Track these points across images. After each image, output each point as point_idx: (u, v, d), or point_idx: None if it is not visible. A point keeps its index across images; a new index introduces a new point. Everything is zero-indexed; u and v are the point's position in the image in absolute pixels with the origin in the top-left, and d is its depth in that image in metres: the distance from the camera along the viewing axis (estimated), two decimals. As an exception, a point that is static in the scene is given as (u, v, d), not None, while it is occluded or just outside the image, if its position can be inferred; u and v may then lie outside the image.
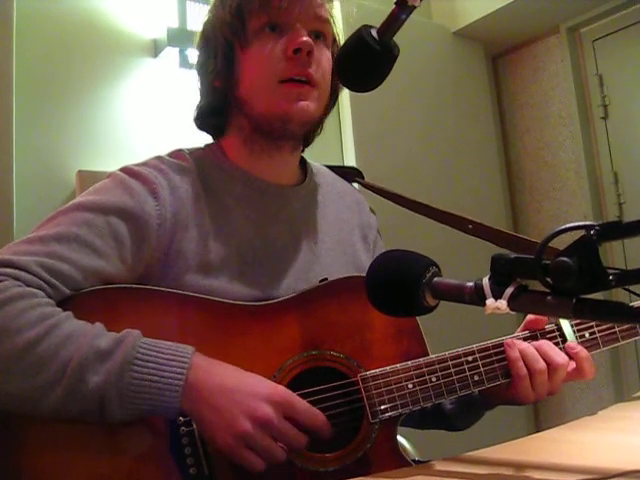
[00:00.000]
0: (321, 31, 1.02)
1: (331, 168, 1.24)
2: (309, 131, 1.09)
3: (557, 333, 0.99)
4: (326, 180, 1.18)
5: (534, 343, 0.96)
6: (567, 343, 0.97)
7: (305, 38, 0.97)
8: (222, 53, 1.02)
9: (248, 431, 0.79)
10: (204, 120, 1.11)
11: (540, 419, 3.33)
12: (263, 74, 0.99)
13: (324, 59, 1.02)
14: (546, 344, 0.96)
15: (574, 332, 0.99)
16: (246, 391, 0.81)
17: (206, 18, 1.08)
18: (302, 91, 0.99)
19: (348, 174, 1.25)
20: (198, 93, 1.10)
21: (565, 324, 0.99)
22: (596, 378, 3.09)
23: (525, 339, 0.98)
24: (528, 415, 3.24)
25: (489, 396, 1.03)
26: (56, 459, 0.81)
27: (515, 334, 0.99)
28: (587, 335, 0.99)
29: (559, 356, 0.95)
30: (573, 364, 0.96)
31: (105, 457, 0.82)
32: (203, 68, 1.07)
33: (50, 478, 0.81)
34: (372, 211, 1.25)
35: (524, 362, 0.94)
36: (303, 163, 1.16)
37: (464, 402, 1.07)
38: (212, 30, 1.04)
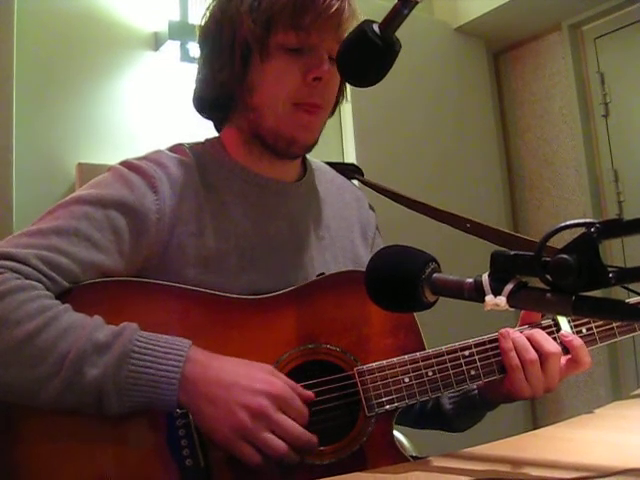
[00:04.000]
0: None
1: (331, 165, 1.24)
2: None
3: (554, 328, 0.99)
4: (326, 177, 1.19)
5: (526, 332, 0.96)
6: (560, 332, 0.97)
7: (327, 67, 0.97)
8: (240, 57, 1.00)
9: (246, 423, 0.79)
10: (203, 109, 1.10)
11: (537, 417, 3.34)
12: (279, 93, 0.99)
13: (336, 81, 1.03)
14: (538, 333, 0.96)
15: (571, 327, 0.99)
16: (242, 385, 0.82)
17: (222, 5, 1.02)
18: (312, 120, 1.01)
19: (347, 171, 1.25)
20: (198, 77, 1.08)
21: (562, 319, 0.99)
22: (593, 376, 3.10)
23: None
24: (525, 412, 3.24)
25: (488, 394, 1.03)
26: (53, 450, 0.81)
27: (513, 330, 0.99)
28: (584, 331, 0.99)
29: (551, 345, 0.95)
30: (568, 356, 0.97)
31: (101, 448, 0.82)
32: (211, 60, 1.04)
33: (46, 469, 0.81)
34: (371, 208, 1.25)
35: (516, 352, 0.94)
36: (303, 159, 1.16)
37: (464, 402, 1.07)
38: (230, 28, 1.00)
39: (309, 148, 1.05)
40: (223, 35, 1.02)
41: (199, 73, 1.08)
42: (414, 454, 1.17)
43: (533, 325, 0.99)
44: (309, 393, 0.87)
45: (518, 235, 1.00)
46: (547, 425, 0.94)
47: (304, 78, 0.98)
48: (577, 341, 0.96)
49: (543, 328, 0.98)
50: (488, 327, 0.99)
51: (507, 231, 1.02)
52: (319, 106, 1.01)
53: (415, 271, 0.70)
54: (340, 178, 1.22)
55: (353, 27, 1.00)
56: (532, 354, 0.94)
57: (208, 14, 1.05)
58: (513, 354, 0.94)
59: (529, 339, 0.95)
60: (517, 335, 0.95)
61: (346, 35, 1.01)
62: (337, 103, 1.12)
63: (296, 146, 1.02)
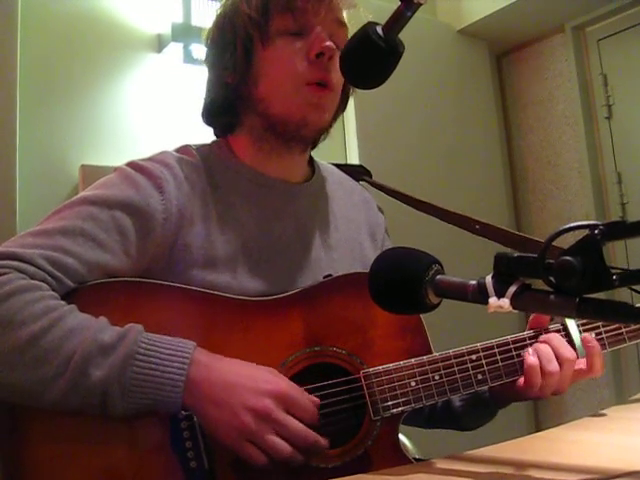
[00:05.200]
0: (339, 35, 1.02)
1: (338, 166, 1.24)
2: (320, 136, 1.09)
3: (563, 333, 0.98)
4: (334, 178, 1.18)
5: (543, 336, 0.96)
6: (584, 335, 0.97)
7: (328, 43, 0.97)
8: (242, 49, 1.01)
9: (249, 425, 0.79)
10: (212, 116, 1.11)
11: (540, 419, 3.33)
12: (285, 75, 0.99)
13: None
14: (556, 338, 0.96)
15: (580, 332, 0.98)
16: (247, 386, 0.82)
17: (221, 10, 1.06)
18: (322, 95, 1.00)
19: (356, 172, 1.25)
20: (205, 87, 1.10)
21: (571, 324, 0.99)
22: (597, 378, 3.08)
23: (529, 338, 0.98)
24: (528, 415, 3.24)
25: (498, 393, 1.02)
26: (57, 452, 0.81)
27: (522, 333, 0.99)
28: (593, 335, 0.98)
29: (567, 351, 0.94)
30: (583, 361, 0.96)
31: (106, 450, 0.82)
32: (215, 63, 1.06)
33: (51, 470, 0.81)
34: (380, 210, 1.25)
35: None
36: (310, 161, 1.16)
37: (473, 400, 1.06)
38: (230, 24, 1.03)
39: (320, 131, 1.05)
40: (225, 34, 1.04)
41: (207, 82, 1.10)
42: (417, 456, 1.16)
43: (545, 330, 0.99)
44: (314, 398, 0.86)
45: (527, 236, 1.00)
46: (550, 427, 0.94)
47: (307, 57, 0.98)
48: (598, 348, 0.96)
49: (553, 332, 0.98)
50: (495, 328, 0.99)
51: (517, 233, 1.01)
52: (328, 81, 1.00)
53: (418, 273, 0.70)
54: (348, 180, 1.22)
55: (348, 6, 1.02)
56: (554, 366, 0.93)
57: (213, 21, 1.07)
58: (538, 371, 0.93)
59: (547, 344, 0.95)
60: (542, 345, 0.95)
61: (345, 27, 1.03)
62: (347, 96, 1.12)
63: (307, 128, 1.01)
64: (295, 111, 0.99)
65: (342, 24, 1.03)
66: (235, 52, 1.02)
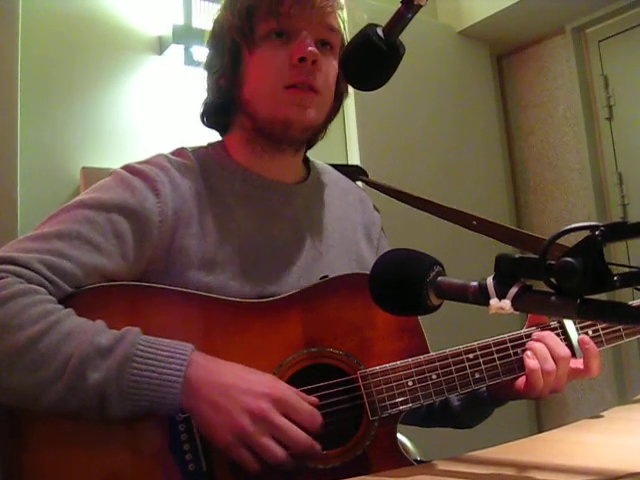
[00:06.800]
0: (328, 40, 1.02)
1: (335, 167, 1.24)
2: (311, 136, 1.09)
3: (560, 330, 0.99)
4: (330, 178, 1.18)
5: (537, 334, 0.96)
6: (580, 337, 0.97)
7: (310, 48, 0.97)
8: (229, 54, 1.03)
9: (246, 427, 0.79)
10: (209, 117, 1.12)
11: (542, 420, 3.33)
12: (267, 79, 1.00)
13: (329, 68, 1.03)
14: (549, 337, 0.96)
15: (577, 329, 0.98)
16: (244, 388, 0.82)
17: (216, 16, 1.08)
18: (304, 97, 0.99)
19: (352, 172, 1.25)
20: (205, 90, 1.11)
21: (568, 323, 0.99)
22: (598, 378, 3.08)
23: (527, 337, 0.98)
24: (530, 416, 3.23)
25: (496, 392, 1.03)
26: (56, 455, 0.82)
27: (519, 331, 0.99)
28: (590, 332, 0.99)
29: (561, 349, 0.95)
30: (580, 361, 0.96)
31: (105, 453, 0.82)
32: (210, 66, 1.08)
33: (50, 474, 0.81)
34: (376, 209, 1.25)
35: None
36: (306, 161, 1.16)
37: (471, 399, 1.07)
38: (220, 30, 1.05)
39: (307, 130, 1.03)
40: (217, 40, 1.06)
41: (205, 85, 1.11)
42: (418, 458, 1.16)
43: (542, 327, 0.99)
44: (312, 399, 0.87)
45: (525, 232, 0.99)
46: (552, 428, 0.94)
47: (289, 62, 0.98)
48: (594, 349, 0.96)
49: (550, 329, 0.98)
50: (493, 327, 0.99)
51: (514, 228, 1.01)
52: (311, 85, 0.99)
53: (420, 275, 0.70)
54: (344, 179, 1.22)
55: (335, 10, 1.03)
56: (551, 365, 0.94)
57: (211, 28, 1.09)
58: (540, 374, 0.93)
59: (541, 342, 0.95)
60: (538, 345, 0.95)
61: (336, 31, 1.03)
62: (341, 99, 1.11)
63: (292, 128, 1.00)
64: (278, 112, 0.99)
65: (333, 29, 1.03)
66: (224, 57, 1.04)
